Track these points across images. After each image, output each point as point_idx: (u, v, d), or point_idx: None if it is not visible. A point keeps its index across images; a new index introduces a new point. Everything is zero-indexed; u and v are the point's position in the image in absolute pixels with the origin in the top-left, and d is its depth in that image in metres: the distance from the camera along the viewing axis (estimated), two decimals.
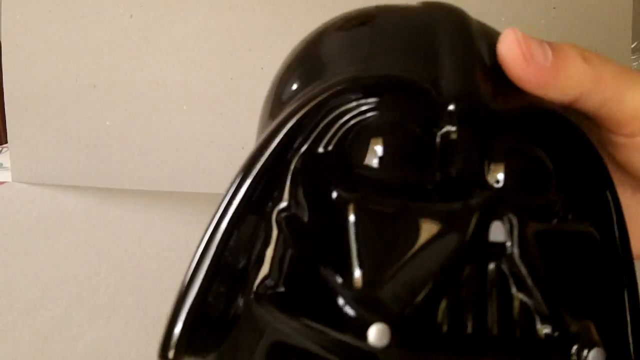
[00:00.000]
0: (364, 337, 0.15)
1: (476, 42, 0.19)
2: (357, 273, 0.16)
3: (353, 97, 0.17)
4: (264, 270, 0.17)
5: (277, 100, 0.21)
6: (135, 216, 0.63)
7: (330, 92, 0.17)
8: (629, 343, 0.17)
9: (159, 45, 0.70)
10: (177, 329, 0.16)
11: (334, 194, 0.17)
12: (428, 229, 0.16)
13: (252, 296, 0.17)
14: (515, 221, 0.16)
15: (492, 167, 0.17)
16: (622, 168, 0.22)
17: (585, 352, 0.15)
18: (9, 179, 0.75)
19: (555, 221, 0.18)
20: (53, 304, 0.42)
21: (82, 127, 0.73)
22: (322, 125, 0.17)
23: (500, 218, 0.16)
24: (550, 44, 0.19)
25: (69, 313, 0.41)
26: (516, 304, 0.16)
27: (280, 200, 0.18)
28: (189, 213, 0.65)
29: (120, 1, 0.70)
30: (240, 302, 0.18)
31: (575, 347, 0.16)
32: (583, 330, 0.16)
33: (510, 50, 0.18)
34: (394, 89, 0.17)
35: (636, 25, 0.67)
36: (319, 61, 0.20)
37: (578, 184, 0.18)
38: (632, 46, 0.70)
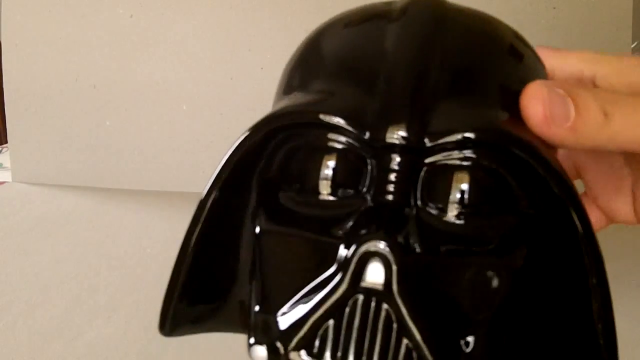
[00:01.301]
0: (249, 353, 0.18)
1: (431, 62, 0.18)
2: (259, 299, 0.18)
3: (297, 126, 0.18)
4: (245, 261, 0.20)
5: (286, 84, 0.22)
6: (135, 216, 0.63)
7: (275, 124, 0.18)
8: (600, 350, 0.17)
9: (159, 45, 0.70)
10: (170, 308, 0.19)
11: (257, 226, 0.19)
12: (320, 265, 0.17)
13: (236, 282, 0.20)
14: (393, 263, 0.15)
15: (424, 191, 0.17)
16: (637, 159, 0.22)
17: None
18: (9, 179, 0.75)
19: (474, 254, 0.17)
20: (53, 304, 0.42)
21: (82, 127, 0.73)
22: (268, 150, 0.18)
23: (379, 259, 0.16)
24: (573, 97, 0.18)
25: (69, 313, 0.41)
26: (399, 343, 0.16)
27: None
28: (189, 213, 0.64)
29: (120, 1, 0.70)
30: (228, 285, 0.20)
31: None
32: None
33: (534, 110, 0.18)
34: (330, 121, 0.17)
35: (636, 25, 0.67)
36: (310, 65, 0.21)
37: (536, 202, 0.18)
38: (632, 46, 0.70)
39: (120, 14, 0.70)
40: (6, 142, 0.77)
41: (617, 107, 0.18)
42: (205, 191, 0.19)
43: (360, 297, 0.16)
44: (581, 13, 0.67)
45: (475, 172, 0.17)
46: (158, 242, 0.55)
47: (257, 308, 0.18)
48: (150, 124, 0.72)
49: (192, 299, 0.19)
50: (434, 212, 0.17)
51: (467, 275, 0.17)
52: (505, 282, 0.17)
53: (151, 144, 0.73)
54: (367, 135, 0.17)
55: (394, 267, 0.15)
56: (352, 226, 0.17)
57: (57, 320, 0.40)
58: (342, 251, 0.16)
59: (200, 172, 0.73)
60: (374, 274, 0.16)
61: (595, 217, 0.25)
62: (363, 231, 0.16)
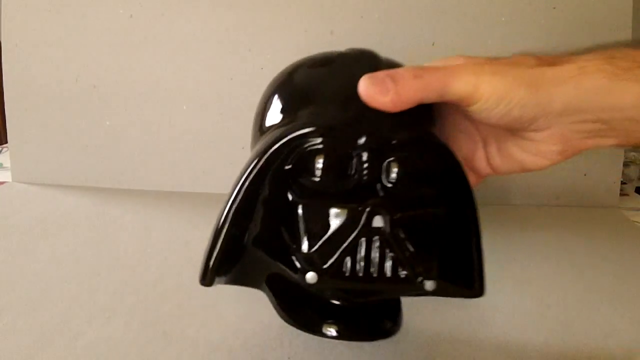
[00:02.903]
0: (303, 278, 0.30)
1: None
2: (302, 243, 0.31)
3: (306, 136, 0.30)
4: (257, 227, 0.32)
5: (263, 119, 0.36)
6: (135, 216, 0.63)
7: (294, 134, 0.30)
8: (473, 272, 0.32)
9: (159, 45, 0.70)
10: (212, 262, 0.30)
11: (289, 197, 0.32)
12: (342, 219, 0.30)
13: (250, 241, 0.32)
14: (387, 216, 0.29)
15: (389, 175, 0.31)
16: (481, 125, 0.34)
17: (423, 281, 0.31)
18: (9, 179, 0.75)
19: (421, 208, 0.31)
20: (53, 304, 0.42)
21: (82, 127, 0.73)
22: (286, 151, 0.30)
23: (380, 213, 0.29)
24: (392, 75, 0.29)
25: (69, 313, 0.41)
26: (389, 259, 0.30)
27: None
28: (189, 213, 0.65)
29: (120, 1, 0.70)
30: (245, 242, 0.32)
31: (419, 279, 0.31)
32: (426, 271, 0.30)
33: (367, 91, 0.29)
34: (326, 131, 0.30)
35: (636, 25, 0.67)
36: (289, 99, 0.35)
37: (446, 185, 0.32)
38: None
39: (120, 14, 0.70)
40: (6, 142, 0.77)
41: (424, 71, 0.29)
42: (238, 186, 0.30)
43: (369, 234, 0.30)
44: (581, 13, 0.67)
45: (407, 160, 0.31)
46: (158, 242, 0.55)
47: (304, 247, 0.31)
48: (150, 124, 0.72)
49: (225, 258, 0.31)
50: (392, 186, 0.31)
51: (422, 219, 0.32)
52: (445, 222, 0.32)
53: (151, 144, 0.73)
54: (361, 139, 0.30)
55: (387, 217, 0.29)
56: (353, 196, 0.30)
57: (57, 320, 0.40)
58: (353, 210, 0.30)
59: (200, 172, 0.73)
60: (378, 221, 0.29)
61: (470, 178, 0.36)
62: (367, 199, 0.30)
